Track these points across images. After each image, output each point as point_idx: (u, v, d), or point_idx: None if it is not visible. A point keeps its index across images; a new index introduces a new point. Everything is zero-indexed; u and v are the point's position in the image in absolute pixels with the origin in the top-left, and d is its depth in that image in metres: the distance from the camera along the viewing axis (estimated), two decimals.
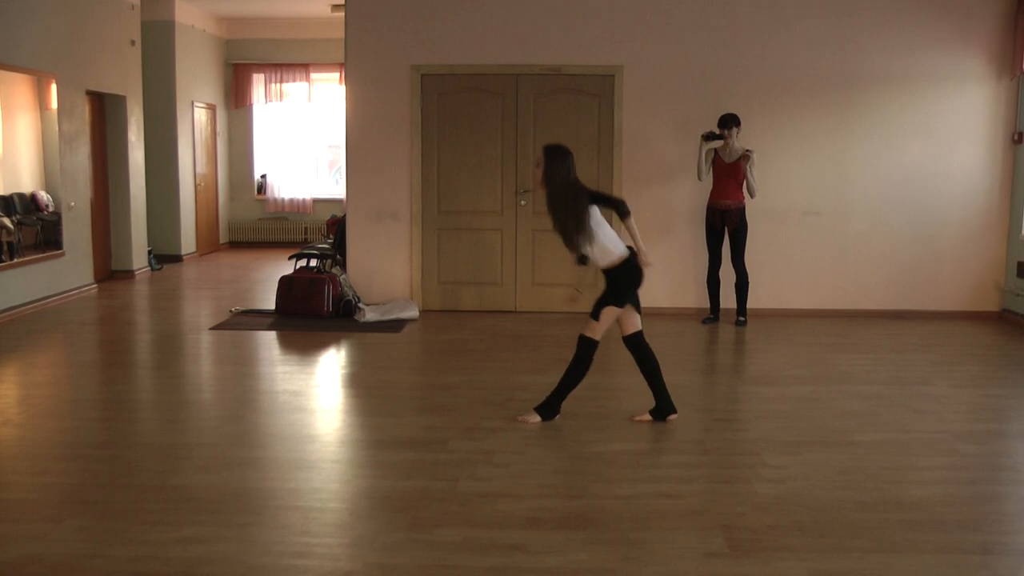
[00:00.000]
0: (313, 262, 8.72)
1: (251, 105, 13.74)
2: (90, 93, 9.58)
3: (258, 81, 13.61)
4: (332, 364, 6.80)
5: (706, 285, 8.09)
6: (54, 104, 8.68)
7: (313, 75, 13.55)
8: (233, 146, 13.90)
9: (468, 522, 3.71)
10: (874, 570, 3.34)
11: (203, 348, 7.10)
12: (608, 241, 4.93)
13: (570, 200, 4.88)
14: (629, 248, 4.98)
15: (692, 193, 8.22)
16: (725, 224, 7.86)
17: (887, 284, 8.39)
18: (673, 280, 8.43)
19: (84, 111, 9.42)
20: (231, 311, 8.40)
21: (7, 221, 8.14)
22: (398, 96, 8.36)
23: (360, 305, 8.10)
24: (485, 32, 8.27)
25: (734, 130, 7.71)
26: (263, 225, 13.86)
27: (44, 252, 8.66)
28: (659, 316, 8.22)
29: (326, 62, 13.32)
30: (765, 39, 8.19)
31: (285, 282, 8.29)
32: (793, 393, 5.74)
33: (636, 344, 5.07)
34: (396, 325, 7.83)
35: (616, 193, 8.22)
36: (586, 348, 5.00)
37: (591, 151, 8.21)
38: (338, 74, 12.97)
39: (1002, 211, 8.28)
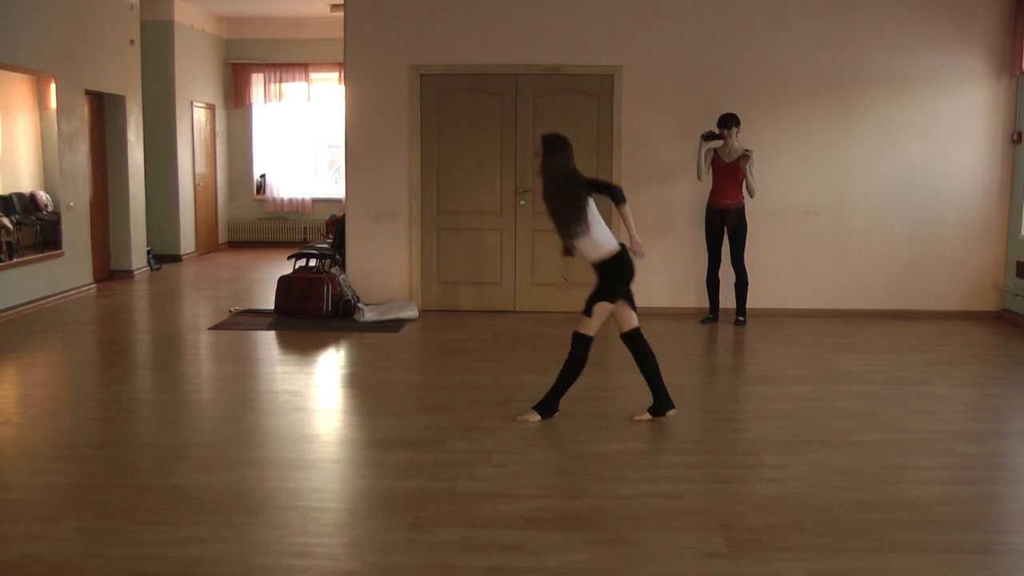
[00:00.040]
0: (312, 262, 8.71)
1: (250, 105, 13.74)
2: (89, 93, 9.58)
3: (257, 81, 13.61)
4: (331, 364, 6.80)
5: (705, 285, 8.09)
6: (53, 104, 8.67)
7: (312, 75, 13.55)
8: (232, 146, 13.90)
9: (467, 522, 3.71)
10: (873, 570, 3.34)
11: (202, 348, 7.10)
12: (601, 235, 4.94)
13: (568, 189, 4.89)
14: (621, 244, 4.99)
15: (692, 193, 8.22)
16: (725, 224, 7.87)
17: (886, 284, 8.40)
18: (672, 280, 8.43)
19: (83, 111, 9.41)
20: (230, 311, 8.40)
21: (6, 221, 8.14)
22: (397, 96, 8.36)
23: (359, 305, 8.10)
24: (484, 32, 8.27)
25: (734, 130, 7.71)
26: (262, 225, 13.86)
27: (43, 252, 8.66)
28: (658, 316, 8.22)
29: (325, 62, 13.31)
30: (765, 39, 8.19)
31: (284, 282, 8.28)
32: (792, 393, 5.74)
33: (634, 341, 5.07)
34: (395, 325, 7.83)
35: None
36: (581, 344, 5.01)
37: (590, 151, 8.21)
38: (337, 74, 12.97)
39: (1001, 211, 8.28)
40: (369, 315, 7.94)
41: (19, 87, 8.38)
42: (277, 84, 13.57)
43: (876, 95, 8.21)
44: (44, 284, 8.58)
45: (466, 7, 8.27)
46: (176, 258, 11.91)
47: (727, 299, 8.10)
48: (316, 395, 5.78)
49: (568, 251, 5.03)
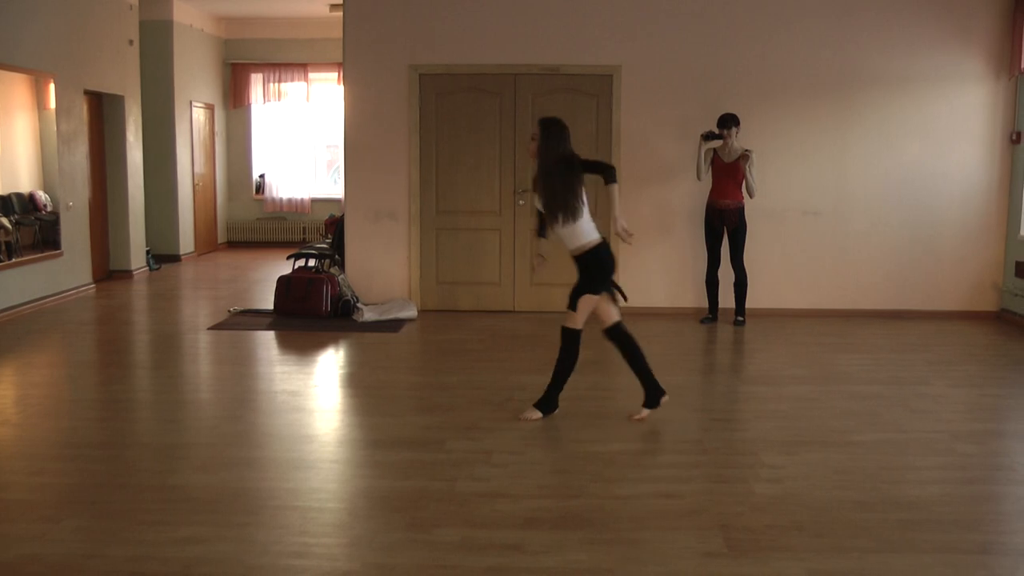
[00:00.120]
0: (311, 262, 8.71)
1: (249, 105, 13.74)
2: (88, 93, 9.58)
3: (256, 81, 13.61)
4: (330, 364, 6.80)
5: (705, 285, 8.09)
6: (52, 104, 8.67)
7: (311, 75, 13.55)
8: (231, 146, 13.89)
9: (466, 522, 3.71)
10: (872, 570, 3.34)
11: (201, 348, 7.09)
12: (585, 225, 4.96)
13: (564, 174, 4.91)
14: (603, 237, 5.01)
15: (691, 193, 8.21)
16: (724, 224, 7.86)
17: (886, 284, 8.40)
18: (672, 280, 8.43)
19: (82, 111, 9.41)
20: (229, 311, 8.40)
21: (5, 221, 8.14)
22: (396, 96, 8.36)
23: (358, 305, 8.10)
24: (483, 32, 8.27)
25: (733, 130, 7.71)
26: (261, 225, 13.86)
27: (42, 252, 8.65)
28: (658, 316, 8.23)
29: (324, 62, 13.31)
30: (765, 39, 8.19)
31: (283, 282, 8.28)
32: (791, 393, 5.74)
33: (617, 334, 5.08)
34: (394, 325, 7.83)
35: (615, 193, 8.22)
36: (570, 338, 5.03)
37: (590, 151, 8.17)
38: (336, 74, 12.96)
39: (1000, 211, 8.28)
40: (368, 315, 7.94)
41: (18, 87, 8.37)
42: (276, 84, 13.57)
43: (876, 95, 8.22)
44: (43, 284, 8.57)
45: (465, 7, 8.27)
46: (175, 258, 11.91)
47: (726, 299, 8.10)
48: (315, 395, 5.78)
49: (541, 232, 5.13)
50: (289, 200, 13.86)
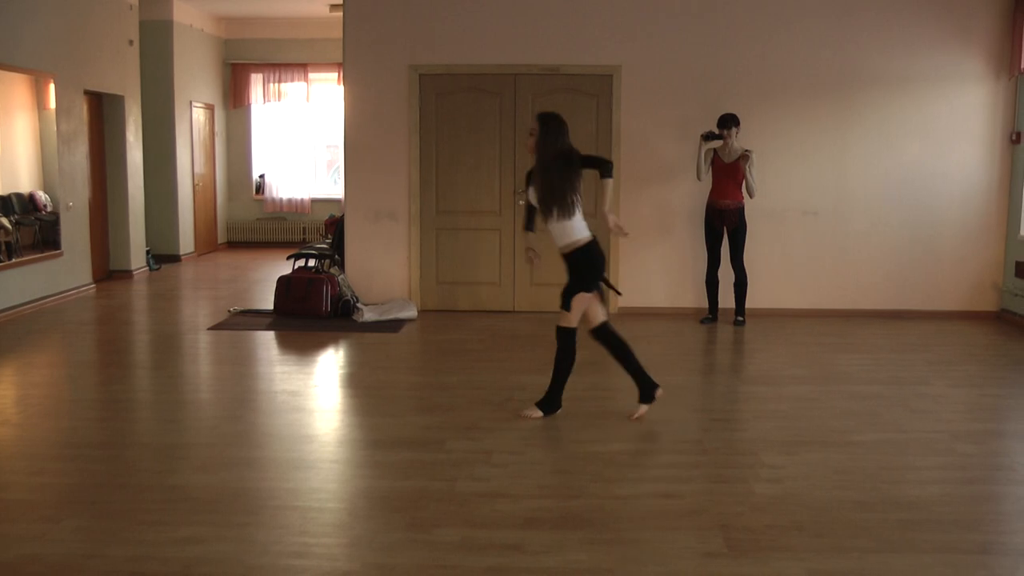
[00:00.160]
0: (311, 262, 8.71)
1: (249, 105, 13.74)
2: (88, 93, 9.58)
3: (256, 81, 13.61)
4: (330, 364, 6.80)
5: (705, 285, 8.09)
6: (52, 104, 8.67)
7: (311, 75, 13.55)
8: (231, 146, 13.89)
9: (466, 522, 3.71)
10: (872, 570, 3.34)
11: (201, 348, 7.09)
12: (578, 222, 4.97)
13: (562, 170, 4.92)
14: (593, 235, 5.02)
15: (691, 193, 8.21)
16: (724, 224, 7.86)
17: (885, 284, 8.40)
18: (672, 280, 8.43)
19: (82, 111, 9.41)
20: (229, 311, 8.40)
21: (5, 221, 8.14)
22: (396, 96, 8.36)
23: (358, 305, 8.10)
24: (483, 32, 8.27)
25: (733, 130, 7.70)
26: (261, 225, 13.86)
27: (42, 252, 8.65)
28: (657, 316, 8.24)
29: (324, 62, 13.31)
30: (765, 39, 8.19)
31: (283, 282, 8.28)
32: (791, 393, 5.74)
33: (604, 335, 5.10)
34: (394, 325, 7.83)
35: (615, 193, 8.24)
36: (566, 337, 5.04)
37: (589, 151, 8.14)
38: (336, 74, 12.96)
39: (1000, 211, 8.28)
40: (368, 315, 7.94)
41: (18, 87, 8.37)
42: (276, 84, 13.57)
43: (876, 95, 8.22)
44: (43, 284, 8.57)
45: (465, 7, 8.27)
46: (175, 258, 11.91)
47: (726, 299, 8.10)
48: (315, 395, 5.78)
49: (528, 226, 5.15)
50: (289, 200, 13.86)
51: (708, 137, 7.70)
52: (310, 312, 8.07)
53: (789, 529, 3.67)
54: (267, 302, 8.70)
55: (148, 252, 11.07)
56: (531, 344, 7.15)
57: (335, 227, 9.40)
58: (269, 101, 13.63)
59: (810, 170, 8.33)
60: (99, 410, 5.39)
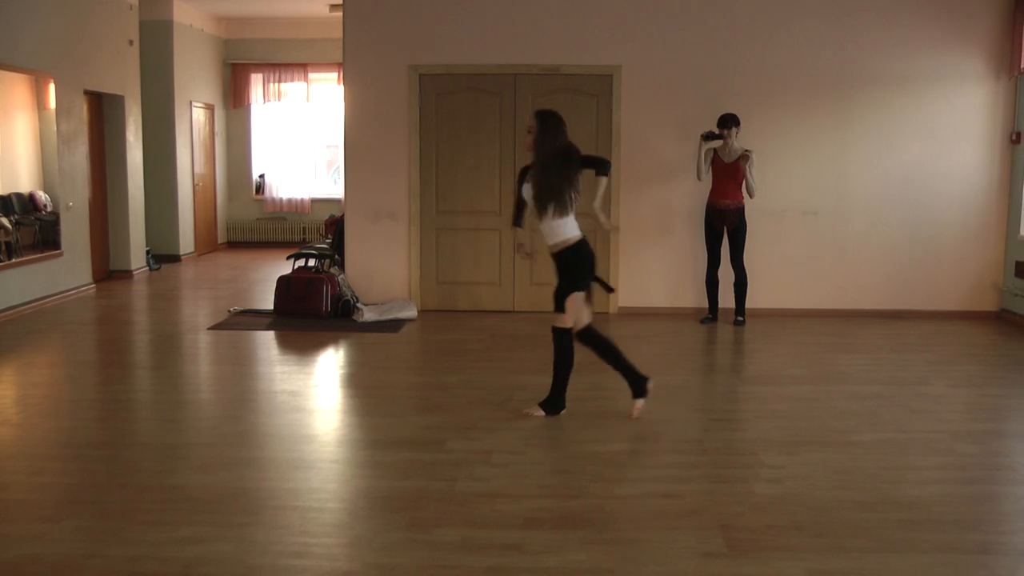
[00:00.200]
0: (311, 262, 8.71)
1: (249, 105, 13.74)
2: (88, 93, 9.58)
3: (256, 81, 13.61)
4: (330, 364, 6.80)
5: (705, 285, 8.09)
6: (52, 104, 8.67)
7: (311, 75, 13.55)
8: (231, 146, 13.89)
9: (466, 522, 3.71)
10: (872, 570, 3.34)
11: (201, 348, 7.09)
12: (570, 221, 4.99)
13: (561, 168, 4.93)
14: (583, 235, 5.03)
15: (691, 193, 8.22)
16: (724, 224, 7.86)
17: (885, 284, 8.40)
18: (672, 280, 8.43)
19: (82, 111, 9.41)
20: (229, 311, 8.40)
21: (5, 221, 8.14)
22: (396, 96, 8.36)
23: (358, 305, 8.10)
24: (483, 32, 8.27)
25: (733, 130, 7.70)
26: (261, 225, 13.86)
27: (42, 252, 8.65)
28: (657, 316, 8.24)
29: (324, 62, 13.32)
30: (765, 39, 8.19)
31: (283, 282, 8.28)
32: (791, 393, 5.74)
33: (589, 337, 5.10)
34: (394, 325, 7.83)
35: (615, 193, 8.25)
36: (563, 338, 5.05)
37: (589, 151, 8.14)
38: (336, 74, 12.97)
39: (1000, 211, 8.28)
40: (368, 315, 7.94)
41: (18, 87, 8.37)
42: (276, 84, 13.58)
43: (876, 95, 8.22)
44: (43, 284, 8.57)
45: (465, 7, 8.27)
46: (175, 258, 11.91)
47: (726, 299, 8.10)
48: (315, 395, 5.77)
49: (517, 221, 5.17)
50: (289, 200, 13.86)
51: (708, 137, 7.70)
52: (310, 312, 8.07)
53: (789, 529, 3.67)
54: (267, 302, 8.70)
55: (148, 252, 11.07)
56: (531, 344, 7.15)
57: (335, 227, 9.40)
58: (269, 101, 13.63)
59: (810, 170, 8.33)
60: (99, 410, 5.39)
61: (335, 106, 12.88)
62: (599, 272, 5.21)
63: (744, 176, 7.74)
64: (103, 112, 10.21)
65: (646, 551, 3.47)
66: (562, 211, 4.93)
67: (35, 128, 8.66)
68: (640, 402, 5.10)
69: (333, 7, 11.08)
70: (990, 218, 8.30)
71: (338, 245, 8.91)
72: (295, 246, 11.71)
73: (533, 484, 4.15)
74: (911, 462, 4.51)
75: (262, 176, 13.92)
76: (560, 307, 5.01)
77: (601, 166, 5.00)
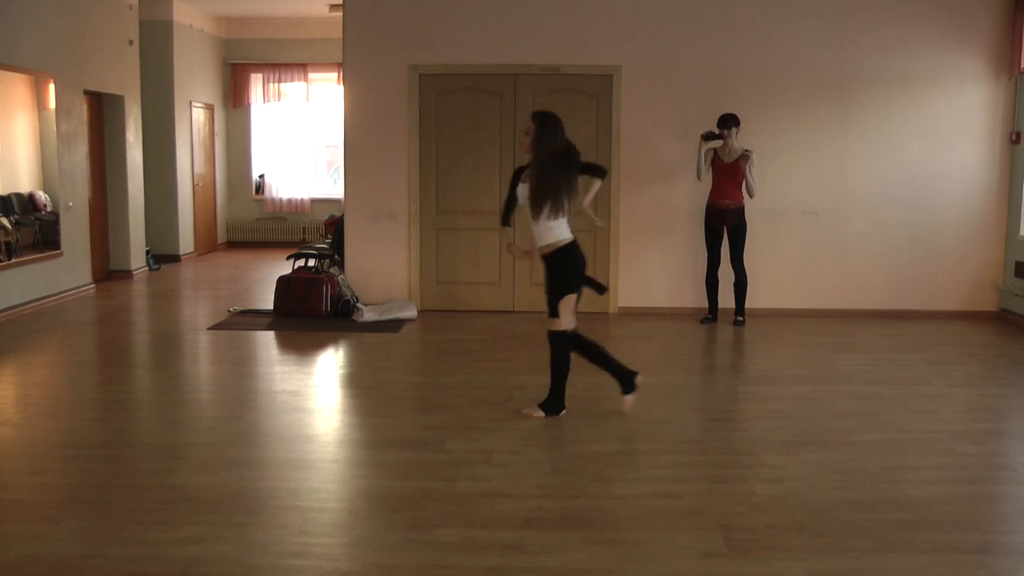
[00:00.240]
0: (311, 262, 8.71)
1: (249, 105, 13.74)
2: (88, 93, 9.57)
3: (256, 81, 13.61)
4: (330, 364, 6.80)
5: (705, 285, 8.09)
6: (52, 104, 8.67)
7: (311, 75, 13.55)
8: (231, 146, 13.89)
9: (466, 522, 3.71)
10: (872, 570, 3.34)
11: (201, 348, 7.09)
12: (562, 223, 5.01)
13: (560, 169, 4.94)
14: (574, 237, 5.04)
15: (691, 193, 8.22)
16: (724, 224, 7.86)
17: (885, 284, 8.40)
18: (672, 280, 8.43)
19: (82, 111, 9.41)
20: (229, 311, 8.40)
21: (5, 221, 8.13)
22: (396, 96, 8.36)
23: (358, 305, 8.10)
24: (483, 32, 8.27)
25: (733, 130, 7.70)
26: (261, 225, 13.86)
27: (42, 252, 8.65)
28: (657, 316, 8.24)
29: (324, 62, 13.31)
30: (765, 39, 8.19)
31: (283, 282, 8.28)
32: (791, 393, 5.74)
33: (574, 342, 5.12)
34: (394, 325, 7.83)
35: (615, 193, 8.25)
36: (559, 341, 5.06)
37: (590, 151, 8.15)
38: (336, 74, 12.96)
39: (1000, 211, 8.28)
40: (368, 315, 7.94)
41: (18, 87, 8.37)
42: (276, 84, 13.57)
43: (876, 95, 8.22)
44: (43, 284, 8.57)
45: (465, 7, 8.27)
46: (175, 258, 11.91)
47: (726, 299, 8.10)
48: (315, 395, 5.78)
49: (506, 221, 5.22)
50: (289, 200, 13.86)
51: (708, 137, 7.70)
52: (310, 312, 8.07)
53: (789, 529, 3.67)
54: (267, 302, 8.70)
55: (148, 252, 11.07)
56: (531, 344, 7.14)
57: (335, 227, 9.40)
58: (269, 101, 13.63)
59: (810, 170, 8.33)
60: (99, 410, 5.39)
61: (335, 106, 12.87)
62: (594, 272, 5.24)
63: (744, 176, 7.74)
64: (103, 112, 10.21)
65: (646, 551, 3.47)
66: (557, 212, 4.94)
67: (35, 128, 8.66)
68: (631, 397, 5.14)
69: (333, 7, 11.07)
70: (990, 218, 8.30)
71: (338, 245, 8.91)
72: (295, 246, 11.71)
73: (533, 484, 4.15)
74: (911, 462, 4.51)
75: (262, 176, 13.92)
76: (554, 311, 5.01)
77: (598, 172, 5.10)
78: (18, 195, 8.43)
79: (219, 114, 13.51)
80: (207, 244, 13.03)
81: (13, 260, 8.17)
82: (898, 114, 8.24)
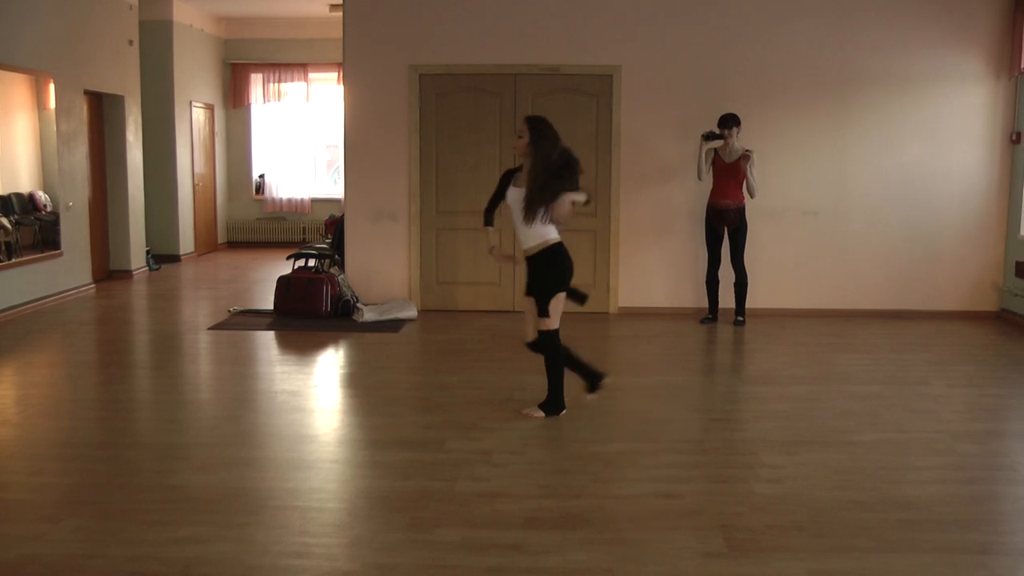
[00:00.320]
0: (311, 262, 8.71)
1: (249, 105, 13.74)
2: (88, 93, 9.57)
3: (256, 81, 13.61)
4: (330, 364, 6.80)
5: (705, 285, 8.09)
6: (52, 104, 8.67)
7: (311, 75, 13.55)
8: (231, 146, 13.89)
9: (466, 522, 3.71)
10: (872, 570, 3.34)
11: (201, 348, 7.09)
12: (551, 226, 5.03)
13: (557, 172, 4.94)
14: (559, 239, 5.06)
15: (691, 193, 8.22)
16: (725, 224, 7.86)
17: (885, 284, 8.40)
18: (672, 280, 8.43)
19: (82, 111, 9.41)
20: (229, 311, 8.40)
21: (5, 221, 8.14)
22: (396, 96, 8.36)
23: (358, 305, 8.10)
24: (483, 32, 8.27)
25: (734, 130, 7.70)
26: (261, 225, 13.86)
27: (42, 252, 8.65)
28: (658, 316, 8.24)
29: (324, 62, 13.31)
30: (765, 39, 8.19)
31: (283, 282, 8.28)
32: (791, 393, 5.74)
33: (540, 347, 5.14)
34: (394, 325, 7.83)
35: (615, 193, 8.25)
36: (551, 340, 5.08)
37: (589, 151, 8.20)
38: (336, 74, 12.96)
39: (1000, 211, 8.28)
40: (368, 315, 7.94)
41: (18, 87, 8.37)
42: (276, 84, 13.57)
43: (876, 95, 8.22)
44: (43, 284, 8.57)
45: (465, 7, 8.27)
46: (175, 258, 11.91)
47: (726, 299, 8.10)
48: (315, 395, 5.78)
49: (488, 220, 5.26)
50: (289, 200, 13.86)
51: (709, 137, 7.70)
52: (310, 312, 8.07)
53: (789, 529, 3.67)
54: (267, 302, 8.70)
55: (148, 252, 11.07)
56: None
57: (335, 227, 9.41)
58: (269, 101, 13.63)
59: (810, 170, 8.33)
60: (99, 410, 5.39)
61: (335, 106, 12.87)
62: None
63: (745, 176, 7.74)
64: (103, 112, 10.21)
65: (646, 551, 3.47)
66: (549, 215, 4.95)
67: (35, 128, 8.66)
68: (594, 395, 5.18)
69: (333, 7, 11.07)
70: (990, 218, 8.30)
71: (338, 245, 8.91)
72: (295, 246, 11.71)
73: (533, 484, 4.15)
74: (911, 462, 4.51)
75: (262, 176, 13.92)
76: (543, 312, 5.01)
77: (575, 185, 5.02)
78: (18, 195, 8.43)
79: (219, 114, 13.52)
80: (207, 244, 13.03)
81: (13, 260, 8.17)
82: (898, 114, 8.24)
